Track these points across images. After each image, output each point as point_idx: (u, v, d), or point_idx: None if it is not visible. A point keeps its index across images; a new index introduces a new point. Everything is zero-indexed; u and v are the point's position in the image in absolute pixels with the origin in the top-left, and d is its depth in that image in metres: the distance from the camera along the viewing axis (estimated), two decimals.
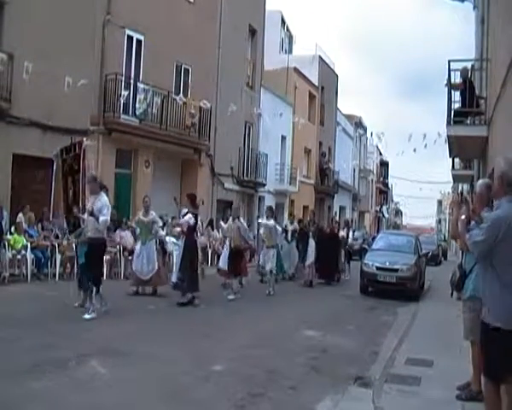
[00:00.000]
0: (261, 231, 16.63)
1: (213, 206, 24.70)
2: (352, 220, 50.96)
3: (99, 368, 7.00)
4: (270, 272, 15.72)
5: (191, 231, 12.66)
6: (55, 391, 6.04)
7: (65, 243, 15.06)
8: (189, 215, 12.50)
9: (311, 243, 18.31)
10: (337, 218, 35.28)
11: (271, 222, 16.09)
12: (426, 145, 19.71)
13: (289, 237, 19.32)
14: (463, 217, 5.86)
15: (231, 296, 13.67)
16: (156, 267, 13.32)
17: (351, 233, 22.73)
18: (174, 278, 13.30)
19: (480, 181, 6.89)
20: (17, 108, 15.48)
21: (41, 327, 9.08)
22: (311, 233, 18.59)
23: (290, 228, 19.56)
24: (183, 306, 12.01)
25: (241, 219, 15.54)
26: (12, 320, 9.30)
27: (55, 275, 14.51)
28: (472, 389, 6.37)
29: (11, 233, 14.36)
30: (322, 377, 7.47)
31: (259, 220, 18.52)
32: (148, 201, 13.71)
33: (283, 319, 11.80)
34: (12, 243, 14.05)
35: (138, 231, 13.98)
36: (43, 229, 15.37)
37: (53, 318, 9.81)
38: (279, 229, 16.96)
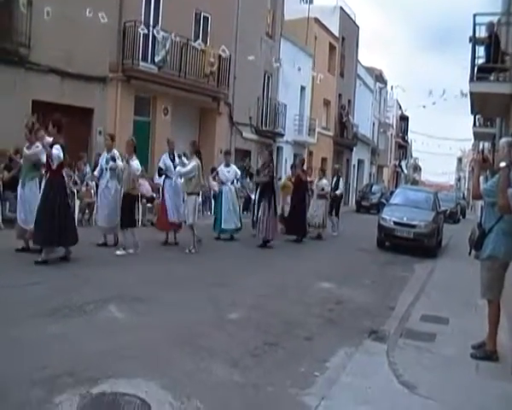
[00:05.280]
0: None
1: (232, 155, 24.60)
2: (370, 174, 50.89)
3: (116, 313, 7.11)
4: (191, 226, 12.73)
5: (59, 167, 9.80)
6: (73, 335, 6.14)
7: (84, 189, 15.15)
8: (57, 146, 9.63)
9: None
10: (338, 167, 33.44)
11: (192, 162, 12.68)
12: (445, 99, 19.44)
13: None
14: (503, 164, 4.85)
15: (119, 252, 11.44)
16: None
17: (341, 183, 19.85)
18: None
19: (503, 139, 6.78)
20: (36, 54, 15.40)
21: (61, 271, 9.22)
22: (254, 177, 15.37)
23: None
24: (40, 264, 9.48)
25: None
26: (32, 264, 9.41)
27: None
28: (487, 349, 6.38)
29: None
30: (337, 329, 7.53)
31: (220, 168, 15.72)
32: (29, 123, 10.72)
33: (298, 272, 11.86)
34: None
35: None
36: None
37: (71, 262, 9.93)
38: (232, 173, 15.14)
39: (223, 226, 15.00)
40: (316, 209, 17.78)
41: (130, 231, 11.57)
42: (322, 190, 18.19)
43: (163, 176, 13.40)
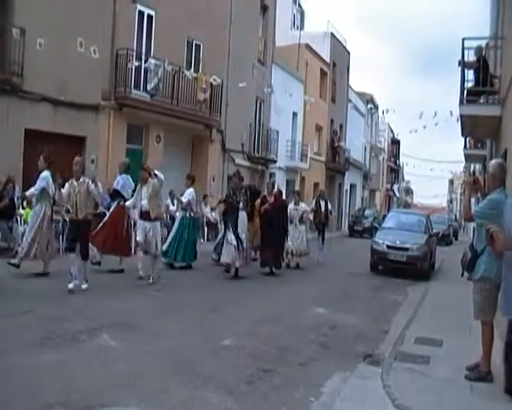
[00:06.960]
0: (143, 195, 12.01)
1: (224, 182, 24.70)
2: (362, 198, 51.03)
3: (110, 341, 7.08)
4: (155, 256, 11.93)
5: None
6: (67, 363, 6.11)
7: None
8: None
9: (242, 216, 13.79)
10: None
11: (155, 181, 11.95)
12: (436, 123, 19.66)
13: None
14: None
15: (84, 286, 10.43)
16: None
17: (329, 206, 19.46)
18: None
19: (493, 161, 6.84)
20: (29, 83, 15.46)
21: (52, 301, 9.18)
22: (241, 203, 13.82)
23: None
24: None
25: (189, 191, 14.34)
26: (24, 294, 9.42)
27: (66, 249, 14.54)
28: (481, 370, 6.38)
29: (23, 208, 14.45)
30: (332, 354, 7.51)
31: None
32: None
33: (292, 297, 11.85)
34: (24, 217, 14.15)
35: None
36: (54, 203, 15.41)
37: (64, 291, 9.88)
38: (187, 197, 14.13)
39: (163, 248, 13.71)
40: (297, 237, 16.54)
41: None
42: (302, 216, 17.00)
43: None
